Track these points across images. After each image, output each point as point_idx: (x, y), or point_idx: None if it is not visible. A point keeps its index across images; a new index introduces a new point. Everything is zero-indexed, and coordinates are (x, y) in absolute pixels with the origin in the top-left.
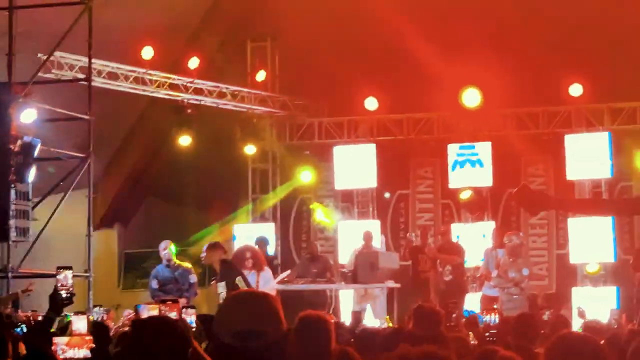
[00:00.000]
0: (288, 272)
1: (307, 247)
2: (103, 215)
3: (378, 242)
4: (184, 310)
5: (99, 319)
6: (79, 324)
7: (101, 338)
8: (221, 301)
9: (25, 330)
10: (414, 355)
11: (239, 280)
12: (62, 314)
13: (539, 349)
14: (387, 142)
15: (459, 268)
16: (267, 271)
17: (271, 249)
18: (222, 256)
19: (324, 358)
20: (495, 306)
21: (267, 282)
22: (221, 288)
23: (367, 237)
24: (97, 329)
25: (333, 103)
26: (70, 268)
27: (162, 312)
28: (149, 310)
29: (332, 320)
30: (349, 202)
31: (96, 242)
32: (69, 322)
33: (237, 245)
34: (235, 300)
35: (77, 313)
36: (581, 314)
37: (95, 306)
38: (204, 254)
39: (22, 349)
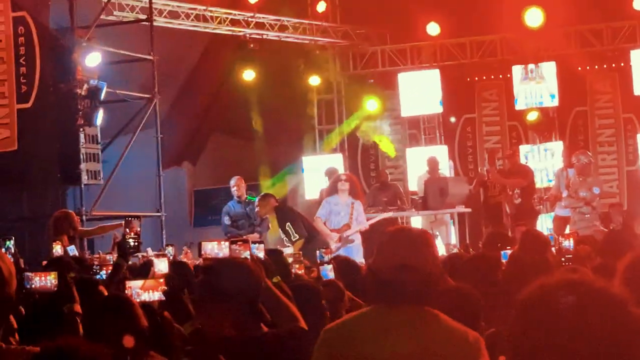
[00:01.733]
0: (390, 214)
1: (375, 176)
2: (171, 154)
3: (446, 167)
4: (253, 246)
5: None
6: (160, 265)
7: (182, 277)
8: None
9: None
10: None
11: (288, 226)
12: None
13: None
14: (450, 66)
15: (528, 190)
16: (360, 204)
17: None
18: (275, 205)
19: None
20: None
21: (360, 215)
22: (281, 234)
23: (432, 163)
24: (177, 267)
25: (395, 30)
26: (138, 217)
27: (235, 251)
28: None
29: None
30: (416, 128)
31: (166, 182)
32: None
33: (305, 177)
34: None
35: (157, 255)
36: None
37: (167, 245)
38: (257, 208)
39: (104, 291)
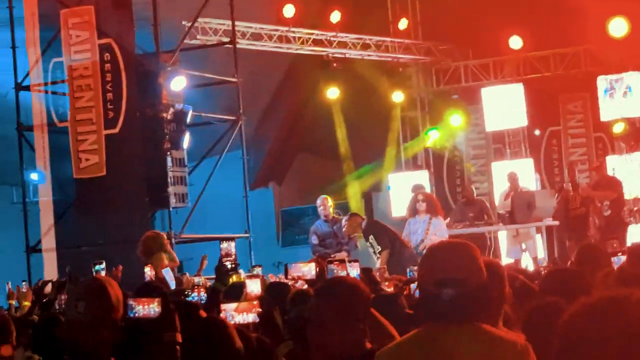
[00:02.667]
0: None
1: (461, 191)
2: (258, 175)
3: (532, 181)
4: (348, 264)
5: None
6: (253, 286)
7: (275, 298)
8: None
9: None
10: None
11: (371, 239)
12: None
13: None
14: (534, 79)
15: (617, 202)
16: (440, 219)
17: None
18: (360, 222)
19: (495, 302)
20: None
21: (439, 230)
22: (368, 248)
23: (512, 178)
24: (273, 288)
25: (477, 45)
26: (233, 239)
27: (333, 271)
28: (301, 268)
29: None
30: (501, 142)
31: (253, 202)
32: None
33: (391, 194)
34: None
35: (249, 276)
36: None
37: (254, 266)
38: (344, 227)
39: (203, 314)
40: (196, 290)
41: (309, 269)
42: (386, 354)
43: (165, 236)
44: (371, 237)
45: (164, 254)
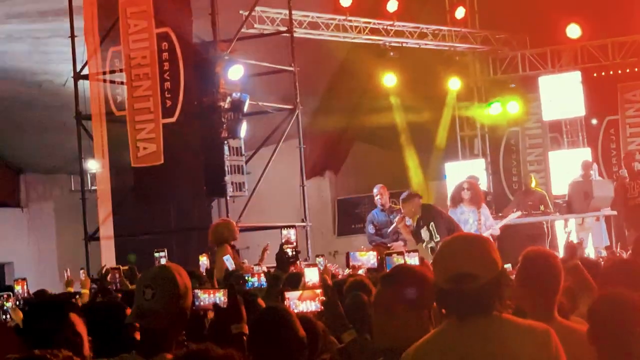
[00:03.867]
0: (518, 213)
1: (517, 180)
2: (314, 164)
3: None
4: (406, 255)
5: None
6: (311, 275)
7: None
8: (425, 248)
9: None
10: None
11: (432, 226)
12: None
13: None
14: (592, 68)
15: None
16: (485, 207)
17: (482, 186)
18: (419, 203)
19: (551, 293)
20: None
21: (488, 219)
22: (424, 235)
23: (586, 166)
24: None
25: (534, 33)
26: (293, 227)
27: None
28: (360, 256)
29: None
30: (557, 132)
31: (309, 191)
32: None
33: (448, 183)
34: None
35: (308, 265)
36: None
37: (318, 255)
38: (401, 207)
39: (262, 304)
40: (256, 275)
41: (368, 258)
42: (411, 354)
43: (234, 223)
44: (432, 224)
45: (228, 244)
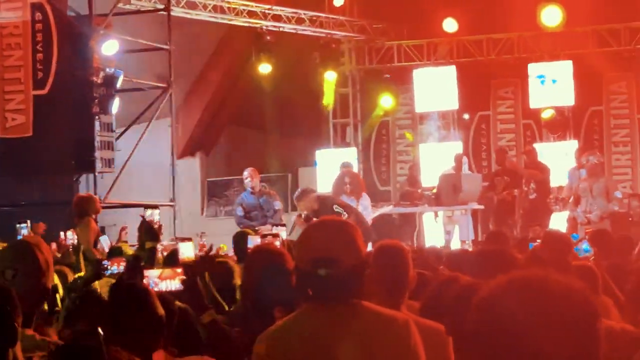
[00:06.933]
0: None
1: (386, 170)
2: (185, 144)
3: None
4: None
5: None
6: (185, 249)
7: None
8: None
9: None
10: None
11: (336, 207)
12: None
13: None
14: (467, 63)
15: (543, 186)
16: (365, 198)
17: None
18: (316, 196)
19: (401, 285)
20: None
21: (366, 209)
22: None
23: (459, 160)
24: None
25: (412, 25)
26: (157, 207)
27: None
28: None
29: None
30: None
31: (179, 171)
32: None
33: (319, 170)
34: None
35: (182, 239)
36: None
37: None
38: (299, 206)
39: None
40: (115, 263)
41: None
42: (267, 336)
43: (97, 199)
44: (335, 206)
45: (92, 219)
